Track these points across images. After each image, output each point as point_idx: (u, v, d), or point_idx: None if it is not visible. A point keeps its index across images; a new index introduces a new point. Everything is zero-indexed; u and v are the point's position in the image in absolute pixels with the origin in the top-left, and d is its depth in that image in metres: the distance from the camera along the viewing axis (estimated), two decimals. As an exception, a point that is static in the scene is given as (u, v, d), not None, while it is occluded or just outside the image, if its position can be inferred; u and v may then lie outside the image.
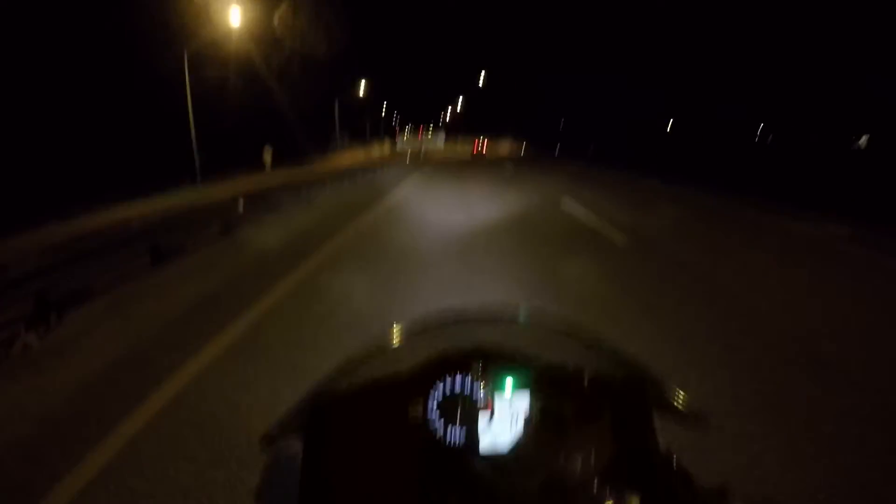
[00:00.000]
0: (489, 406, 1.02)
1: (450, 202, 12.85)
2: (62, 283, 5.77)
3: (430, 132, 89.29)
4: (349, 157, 45.69)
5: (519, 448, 1.00)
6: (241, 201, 10.28)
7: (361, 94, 55.31)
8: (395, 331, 1.19)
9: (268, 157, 34.12)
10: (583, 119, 46.43)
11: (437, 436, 1.00)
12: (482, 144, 50.86)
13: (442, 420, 1.01)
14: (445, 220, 10.26)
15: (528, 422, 1.01)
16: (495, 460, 0.98)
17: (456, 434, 1.00)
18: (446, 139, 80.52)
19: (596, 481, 0.92)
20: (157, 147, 29.11)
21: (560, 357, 1.12)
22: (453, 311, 1.24)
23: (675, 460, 0.97)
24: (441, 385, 1.04)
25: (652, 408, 1.04)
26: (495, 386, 1.03)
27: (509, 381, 1.03)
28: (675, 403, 1.07)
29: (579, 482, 0.92)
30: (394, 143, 73.13)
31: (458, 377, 1.04)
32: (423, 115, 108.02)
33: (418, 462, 0.99)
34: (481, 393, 1.03)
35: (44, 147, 24.92)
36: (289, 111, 42.42)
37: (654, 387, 1.09)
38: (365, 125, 66.32)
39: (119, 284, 6.46)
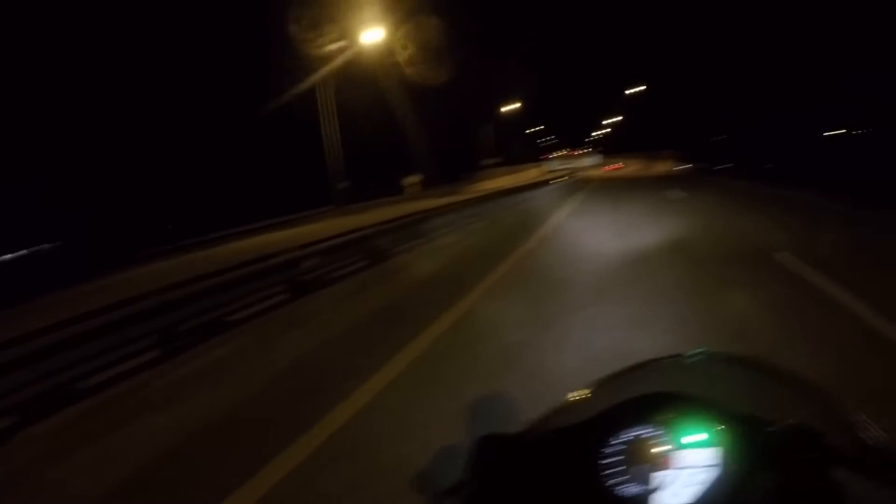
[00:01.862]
0: (667, 462, 0.89)
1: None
2: None
3: (584, 151, 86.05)
4: (499, 180, 43.92)
5: None
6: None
7: (510, 116, 53.44)
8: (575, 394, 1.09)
9: (416, 183, 33.55)
10: (754, 131, 40.18)
11: (611, 489, 0.89)
12: (620, 163, 63.79)
13: (617, 473, 0.89)
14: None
15: (714, 483, 0.86)
16: None
17: (630, 489, 0.88)
18: (602, 158, 77.12)
19: None
20: (309, 177, 29.17)
21: (751, 402, 0.98)
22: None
23: None
24: (619, 435, 0.93)
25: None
26: (677, 439, 0.90)
27: (693, 436, 0.90)
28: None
29: None
30: (546, 165, 70.82)
31: (638, 428, 0.92)
32: (576, 135, 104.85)
33: None
34: (661, 448, 0.90)
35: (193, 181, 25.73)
36: (437, 136, 41.60)
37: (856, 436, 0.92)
38: (514, 148, 64.37)
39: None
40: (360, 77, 28.52)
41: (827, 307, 5.23)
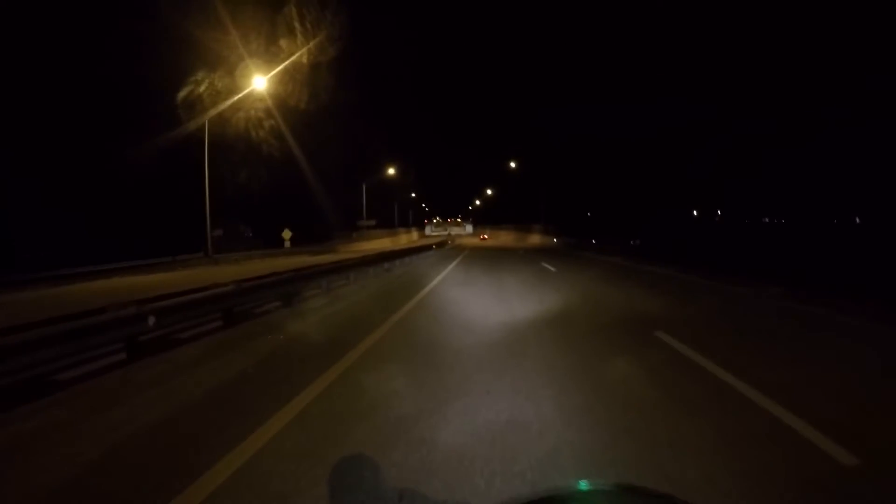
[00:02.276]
0: None
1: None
2: None
3: (458, 221, 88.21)
4: (375, 242, 43.63)
5: None
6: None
7: (390, 180, 53.73)
8: None
9: (287, 238, 32.35)
10: (622, 209, 43.11)
11: None
12: (486, 234, 72.19)
13: None
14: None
15: None
16: None
17: None
18: (475, 228, 79.60)
19: None
20: (186, 222, 27.24)
21: None
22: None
23: None
24: None
25: None
26: None
27: None
28: None
29: None
30: (422, 231, 71.64)
31: None
32: (452, 205, 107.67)
33: None
34: None
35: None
36: (315, 195, 40.83)
37: None
38: (393, 212, 64.63)
39: None
40: (241, 127, 27.58)
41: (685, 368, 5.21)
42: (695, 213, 33.86)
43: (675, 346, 6.84)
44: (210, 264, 23.08)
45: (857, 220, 21.29)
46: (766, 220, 24.80)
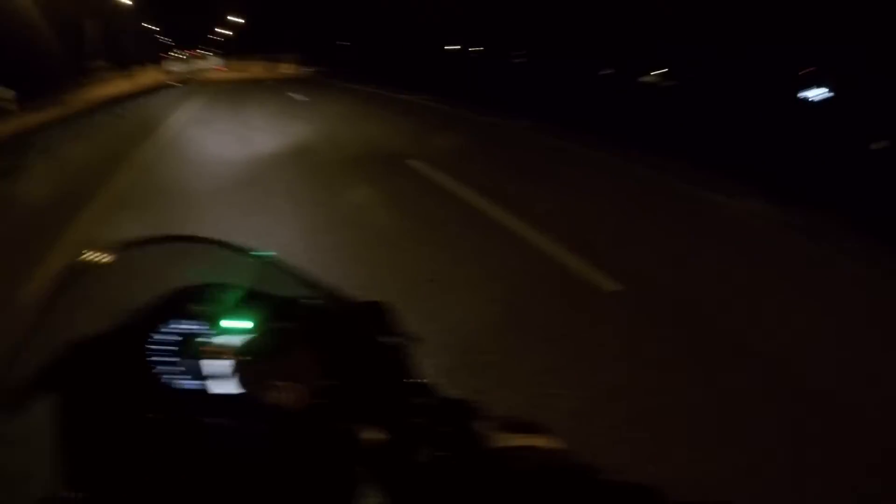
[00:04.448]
0: (217, 351, 0.89)
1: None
2: None
3: (203, 53, 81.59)
4: (114, 85, 40.28)
5: (249, 386, 0.87)
6: None
7: (123, 11, 48.08)
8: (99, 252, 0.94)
9: (9, 99, 28.77)
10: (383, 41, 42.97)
11: (165, 383, 0.87)
12: (224, 67, 63.32)
13: (167, 367, 0.88)
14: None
15: (255, 358, 0.88)
16: (230, 401, 0.86)
17: (184, 382, 0.87)
18: (224, 61, 74.53)
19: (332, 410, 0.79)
20: None
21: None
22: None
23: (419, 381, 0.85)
24: (163, 329, 0.90)
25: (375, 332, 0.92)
26: (220, 327, 0.91)
27: (234, 322, 0.92)
28: (391, 324, 0.94)
29: (313, 413, 0.79)
30: (162, 67, 65.78)
31: (182, 322, 0.91)
32: (195, 35, 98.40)
33: (151, 413, 0.83)
34: (207, 338, 0.90)
35: None
36: (28, 41, 35.68)
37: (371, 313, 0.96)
38: (127, 49, 58.03)
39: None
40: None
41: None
42: (446, 47, 34.71)
43: (426, 172, 7.69)
44: None
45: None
46: (521, 60, 24.66)
